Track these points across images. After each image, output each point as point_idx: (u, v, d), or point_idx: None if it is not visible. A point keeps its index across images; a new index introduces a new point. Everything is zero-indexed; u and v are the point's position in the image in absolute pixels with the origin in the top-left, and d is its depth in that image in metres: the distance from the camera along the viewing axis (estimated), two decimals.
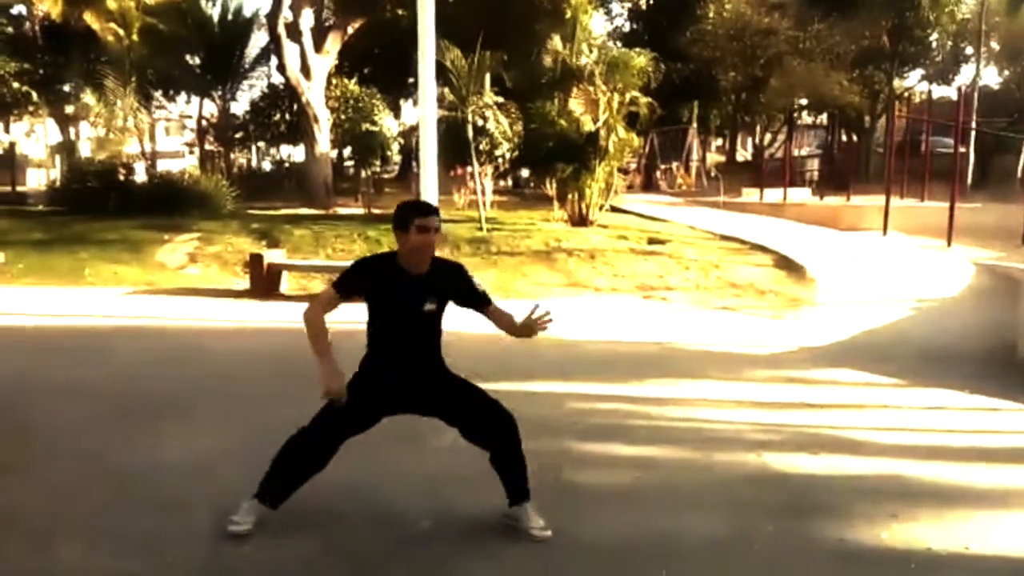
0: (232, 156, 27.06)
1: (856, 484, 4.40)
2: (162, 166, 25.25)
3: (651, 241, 13.76)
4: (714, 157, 37.83)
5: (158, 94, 25.53)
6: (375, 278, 3.61)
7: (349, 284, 3.64)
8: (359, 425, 3.68)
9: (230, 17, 25.95)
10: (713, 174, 27.39)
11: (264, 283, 10.77)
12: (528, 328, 3.66)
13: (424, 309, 3.58)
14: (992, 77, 29.33)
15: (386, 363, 3.65)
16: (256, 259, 11.07)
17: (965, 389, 6.27)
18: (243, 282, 11.46)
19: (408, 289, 3.56)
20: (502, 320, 3.77)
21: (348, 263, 12.45)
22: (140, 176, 19.87)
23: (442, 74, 13.90)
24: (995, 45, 27.11)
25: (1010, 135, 22.88)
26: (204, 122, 28.13)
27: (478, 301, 3.71)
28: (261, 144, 27.66)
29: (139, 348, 7.85)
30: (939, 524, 3.88)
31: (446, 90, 15.10)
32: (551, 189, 16.70)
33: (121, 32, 21.32)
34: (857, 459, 4.77)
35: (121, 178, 18.01)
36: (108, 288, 11.30)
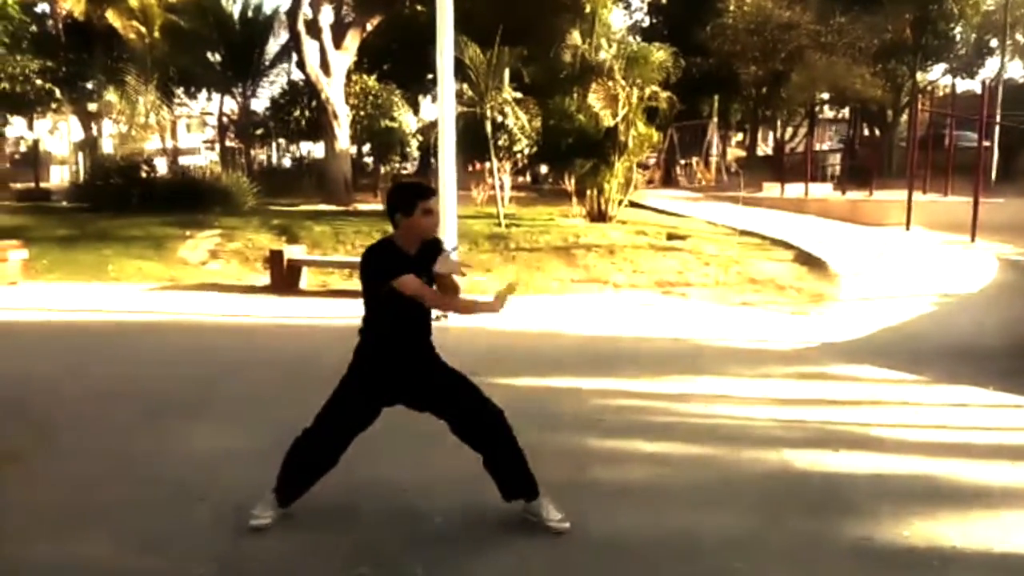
0: (252, 153, 27.21)
1: (878, 482, 4.36)
2: (181, 163, 25.46)
3: (670, 237, 13.70)
4: (734, 152, 37.58)
5: (179, 91, 25.75)
6: (402, 261, 3.53)
7: (403, 267, 3.48)
8: (365, 419, 3.67)
9: (250, 14, 26.08)
10: (733, 169, 27.24)
11: (284, 279, 10.84)
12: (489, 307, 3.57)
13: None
14: (1017, 70, 29.02)
15: (386, 347, 3.63)
16: (276, 255, 11.14)
17: (989, 386, 6.20)
18: (264, 278, 11.53)
19: (414, 269, 3.51)
20: (442, 283, 3.68)
21: None
22: (162, 172, 20.04)
23: (460, 70, 13.90)
24: (1020, 38, 26.75)
25: None
26: (225, 119, 28.30)
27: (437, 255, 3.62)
28: (281, 141, 27.78)
29: (161, 344, 7.92)
30: (962, 523, 3.84)
31: (465, 86, 15.10)
32: (570, 185, 16.68)
33: (143, 29, 21.54)
34: (879, 456, 4.73)
35: (144, 174, 18.18)
36: (131, 284, 11.42)
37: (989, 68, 28.13)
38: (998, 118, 21.77)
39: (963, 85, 29.04)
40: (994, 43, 26.49)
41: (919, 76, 27.14)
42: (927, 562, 3.49)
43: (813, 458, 4.68)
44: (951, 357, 7.18)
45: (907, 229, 15.33)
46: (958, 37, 27.60)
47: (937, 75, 30.15)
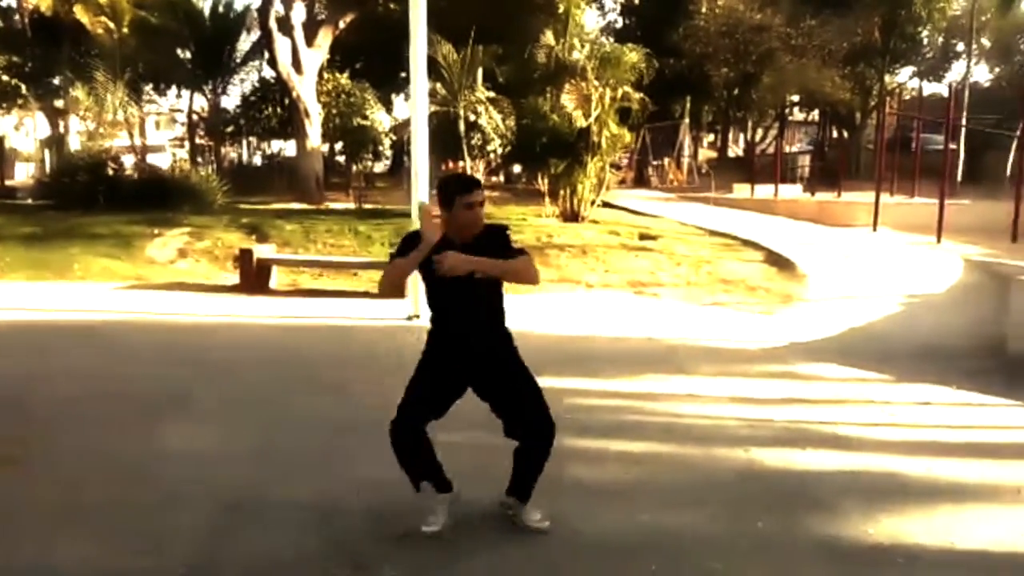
0: (223, 150, 26.96)
1: (845, 480, 4.42)
2: (150, 161, 25.14)
3: (642, 237, 13.78)
4: (706, 153, 37.88)
5: (148, 88, 25.43)
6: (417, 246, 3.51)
7: (406, 249, 3.52)
8: (440, 404, 3.64)
9: (221, 11, 25.85)
10: (704, 170, 27.48)
11: (254, 278, 10.74)
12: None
13: (476, 276, 3.47)
14: (982, 74, 29.50)
15: (448, 337, 3.63)
16: (246, 254, 11.03)
17: (953, 385, 6.31)
18: (233, 277, 11.42)
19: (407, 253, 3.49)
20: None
21: (340, 258, 12.41)
22: (130, 170, 19.78)
23: (434, 69, 13.88)
24: (986, 42, 27.24)
25: (999, 132, 23.00)
26: (195, 116, 28.01)
27: (505, 254, 3.57)
28: (252, 138, 27.56)
29: (129, 344, 7.82)
30: (926, 519, 3.91)
31: (438, 85, 15.08)
32: (543, 184, 16.72)
33: (112, 25, 21.25)
34: (846, 454, 4.79)
35: (111, 172, 17.93)
36: (98, 283, 11.25)
37: (955, 71, 28.66)
38: (964, 121, 22.16)
39: (930, 88, 29.56)
40: (960, 47, 26.95)
41: (887, 79, 27.54)
42: (892, 559, 3.54)
43: (781, 456, 4.73)
44: (916, 356, 7.29)
45: (874, 230, 15.54)
46: (925, 41, 28.07)
47: (904, 78, 30.65)
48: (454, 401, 3.66)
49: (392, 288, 3.67)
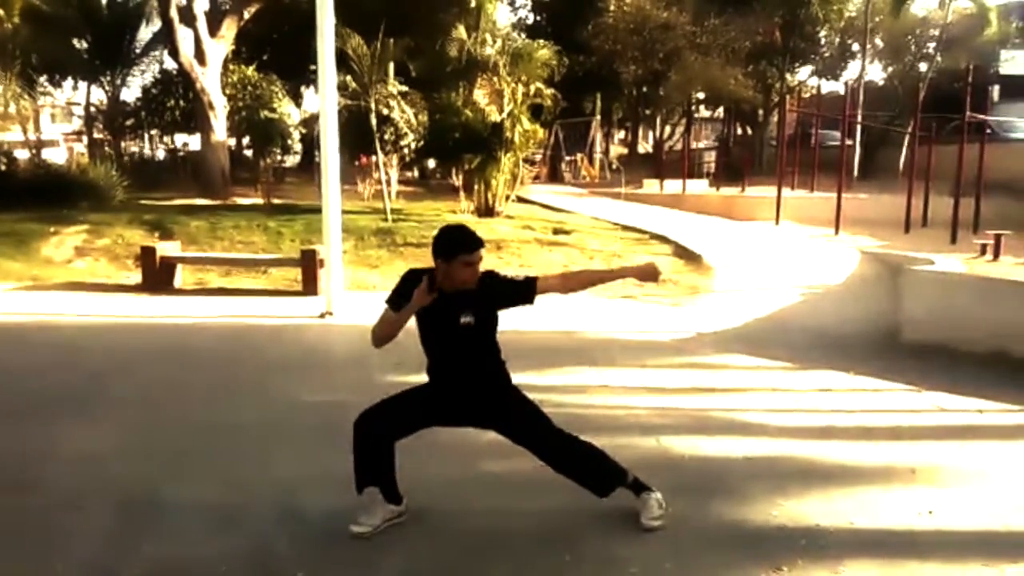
0: (123, 144, 25.86)
1: (749, 464, 4.56)
2: (45, 155, 23.97)
3: (556, 231, 13.91)
4: (617, 149, 38.46)
5: (42, 80, 24.22)
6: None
7: (399, 296, 3.52)
8: (414, 425, 3.64)
9: None
10: (616, 166, 27.88)
11: (157, 277, 10.38)
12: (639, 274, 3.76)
13: (461, 323, 3.51)
14: (877, 73, 30.77)
15: (441, 378, 3.66)
16: (148, 252, 10.64)
17: (850, 371, 6.59)
18: (135, 276, 11.01)
19: (445, 305, 3.48)
20: (567, 283, 3.87)
21: (249, 256, 12.10)
22: (25, 165, 18.82)
23: (344, 61, 13.66)
24: (879, 42, 28.42)
25: (893, 129, 24.06)
26: (92, 109, 26.83)
27: (525, 291, 3.62)
28: (154, 132, 26.55)
29: (23, 346, 7.46)
30: (826, 501, 4.06)
31: (349, 78, 14.85)
32: (457, 180, 16.69)
33: (2, 14, 20.14)
34: (750, 440, 4.95)
35: (2, 168, 17.04)
36: None
37: (851, 70, 29.80)
38: (860, 118, 23.11)
39: (828, 86, 30.70)
40: (856, 47, 28.04)
41: (787, 77, 28.47)
42: (795, 540, 3.66)
43: (689, 444, 4.85)
44: (816, 344, 7.59)
45: (777, 224, 16.08)
46: (823, 41, 29.10)
47: (804, 77, 31.70)
48: (429, 426, 3.69)
49: (384, 342, 3.61)
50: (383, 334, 3.57)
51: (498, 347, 3.73)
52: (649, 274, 3.76)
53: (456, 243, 3.47)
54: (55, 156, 25.09)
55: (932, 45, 26.15)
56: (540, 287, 3.64)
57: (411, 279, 3.54)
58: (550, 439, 3.70)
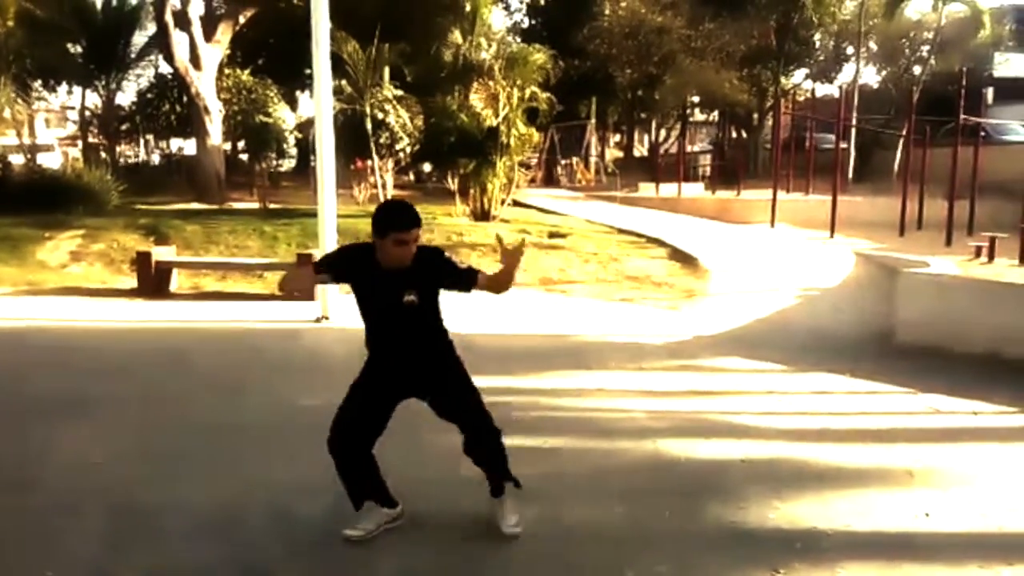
0: (118, 149, 25.85)
1: (746, 467, 4.56)
2: (40, 160, 23.92)
3: (552, 235, 13.90)
4: (612, 153, 38.50)
5: (37, 84, 24.22)
6: (355, 265, 3.46)
7: (329, 260, 3.56)
8: (374, 411, 3.59)
9: (114, 3, 24.79)
10: (611, 169, 27.90)
11: (152, 282, 10.34)
12: (510, 261, 3.56)
13: (404, 300, 3.45)
14: (871, 76, 30.84)
15: (383, 359, 3.60)
16: (143, 257, 10.61)
17: (847, 373, 6.60)
18: (130, 281, 10.98)
19: (385, 282, 3.43)
20: (498, 287, 3.68)
21: (244, 260, 12.01)
22: (20, 170, 18.78)
23: (340, 66, 13.66)
24: (873, 46, 28.49)
25: (887, 132, 24.11)
26: (87, 113, 26.81)
27: (467, 281, 3.56)
28: (149, 137, 26.54)
29: (18, 351, 7.43)
30: (824, 503, 4.07)
31: (344, 82, 14.85)
32: (453, 184, 16.67)
33: None
34: (747, 443, 4.95)
35: None
36: None
37: (846, 73, 29.87)
38: (854, 121, 23.15)
39: (822, 90, 30.77)
40: (850, 50, 28.11)
41: (782, 81, 28.52)
42: (792, 543, 3.67)
43: (685, 446, 4.85)
44: (812, 347, 7.59)
45: (772, 226, 16.09)
46: (817, 44, 29.17)
47: (799, 80, 31.77)
48: (390, 416, 3.62)
49: (291, 289, 3.64)
50: (296, 285, 3.70)
51: (443, 324, 3.69)
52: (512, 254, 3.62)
53: (389, 219, 3.42)
54: (50, 161, 25.04)
55: (926, 48, 26.22)
56: (480, 281, 3.59)
57: (347, 253, 3.59)
58: (480, 419, 3.67)
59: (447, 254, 3.62)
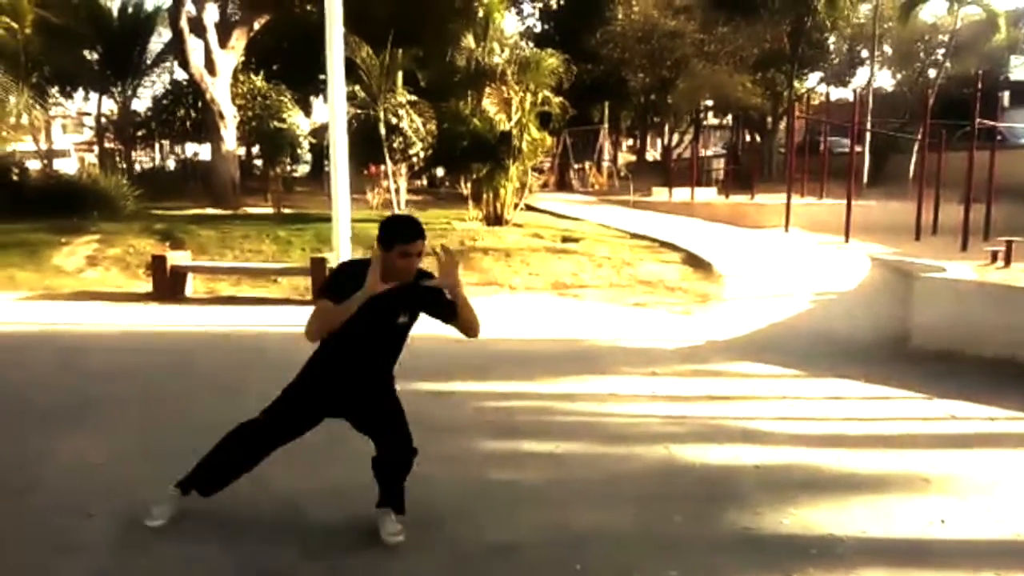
0: (134, 154, 26.07)
1: (760, 473, 4.54)
2: (56, 165, 24.14)
3: (565, 239, 13.90)
4: (625, 157, 38.50)
5: (54, 90, 24.45)
6: (357, 281, 3.37)
7: (332, 285, 3.46)
8: (297, 428, 3.64)
9: (130, 10, 25.02)
10: (624, 173, 27.88)
11: (168, 286, 10.42)
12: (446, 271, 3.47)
13: (398, 322, 3.50)
14: (885, 80, 30.73)
15: (339, 370, 3.58)
16: (159, 261, 10.69)
17: (861, 378, 6.56)
18: (146, 285, 11.06)
19: (383, 300, 3.40)
20: (468, 328, 3.64)
21: (259, 265, 12.08)
22: (36, 175, 18.95)
23: (353, 71, 13.72)
24: (888, 49, 28.38)
25: (902, 135, 24.00)
26: (103, 119, 27.04)
27: (449, 312, 3.55)
28: (164, 142, 26.76)
29: (34, 355, 7.49)
30: (839, 509, 4.04)
31: (358, 88, 14.92)
32: (466, 188, 16.70)
33: (14, 25, 20.34)
34: (761, 448, 4.92)
35: (14, 178, 17.15)
36: (2, 294, 10.74)
37: (860, 77, 29.80)
38: (869, 125, 23.05)
39: (837, 93, 30.69)
40: (865, 54, 28.01)
41: (796, 84, 28.45)
42: (806, 549, 3.64)
43: (699, 452, 4.83)
44: (827, 352, 7.55)
45: (786, 231, 16.04)
46: (831, 48, 29.10)
47: (813, 83, 31.69)
48: (311, 428, 3.68)
49: (322, 335, 3.46)
50: (324, 327, 3.40)
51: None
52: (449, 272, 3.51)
53: (395, 232, 3.41)
54: (66, 166, 25.27)
55: (941, 51, 26.13)
56: (457, 314, 3.56)
57: (347, 270, 3.51)
58: (406, 442, 3.65)
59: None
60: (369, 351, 3.57)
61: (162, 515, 3.66)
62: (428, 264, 3.52)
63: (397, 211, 14.89)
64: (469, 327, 3.62)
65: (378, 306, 3.39)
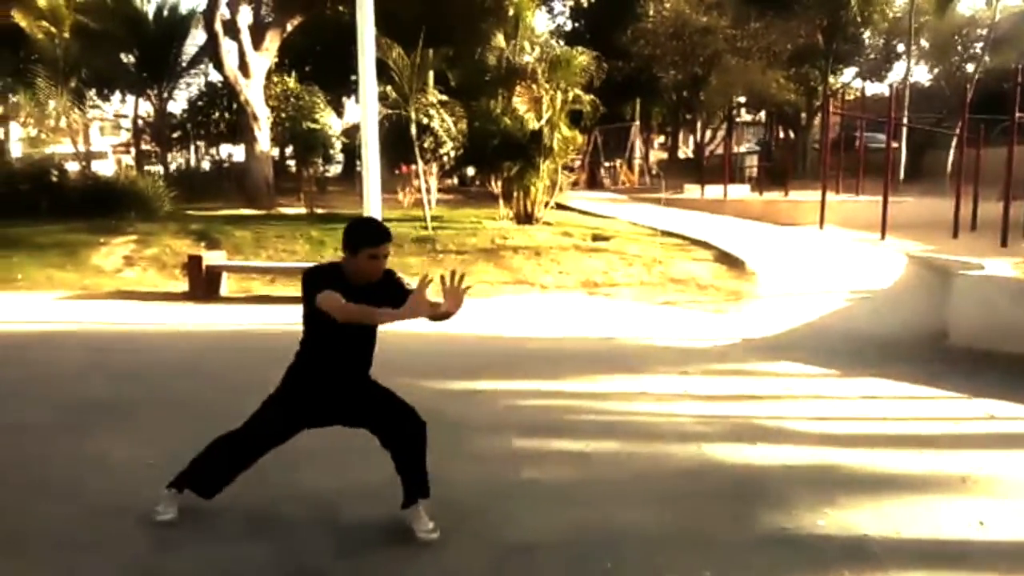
0: (170, 156, 26.43)
1: (794, 473, 4.50)
2: (94, 167, 24.58)
3: (595, 238, 13.87)
4: (657, 154, 38.29)
5: (92, 93, 24.88)
6: (331, 287, 3.41)
7: (323, 286, 3.42)
8: (283, 434, 3.70)
9: (166, 14, 25.37)
10: (655, 171, 27.76)
11: (203, 285, 10.57)
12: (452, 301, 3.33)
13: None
14: (922, 74, 30.22)
15: (319, 374, 3.62)
16: (194, 261, 10.85)
17: (897, 378, 6.46)
18: (182, 285, 11.23)
19: (350, 300, 3.41)
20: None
21: (292, 264, 12.18)
22: (74, 177, 19.31)
23: (384, 72, 13.80)
24: (924, 43, 27.92)
25: (940, 131, 23.61)
26: (140, 121, 27.46)
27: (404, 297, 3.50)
28: (200, 143, 27.09)
29: (73, 353, 7.63)
30: (874, 510, 3.99)
31: (389, 88, 15.00)
32: (496, 187, 16.73)
33: (53, 30, 20.74)
34: (795, 448, 4.88)
35: (54, 179, 17.50)
36: (42, 293, 10.97)
37: (896, 72, 29.34)
38: (905, 120, 22.70)
39: (872, 88, 30.26)
40: (901, 48, 27.59)
41: (831, 80, 28.09)
42: (841, 549, 3.60)
43: (732, 451, 4.80)
44: (862, 351, 7.46)
45: (821, 228, 15.86)
46: (867, 42, 28.69)
47: (848, 79, 31.28)
48: (295, 434, 3.72)
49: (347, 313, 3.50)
50: (362, 319, 3.37)
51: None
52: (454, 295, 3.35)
53: (361, 236, 3.44)
54: (104, 168, 25.70)
55: (979, 45, 25.64)
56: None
57: (320, 273, 3.47)
58: (410, 409, 3.65)
59: (397, 274, 3.64)
60: (347, 353, 3.60)
61: (167, 511, 3.74)
62: (421, 276, 3.47)
63: (428, 210, 14.95)
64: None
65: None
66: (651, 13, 28.05)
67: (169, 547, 3.59)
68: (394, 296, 3.47)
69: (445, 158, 16.25)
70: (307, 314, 3.53)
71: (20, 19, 20.34)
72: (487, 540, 3.67)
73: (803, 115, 29.99)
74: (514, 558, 3.54)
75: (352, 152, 20.87)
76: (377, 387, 3.73)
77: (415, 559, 3.52)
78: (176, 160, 26.87)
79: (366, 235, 3.46)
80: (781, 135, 34.87)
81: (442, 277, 3.40)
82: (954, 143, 20.61)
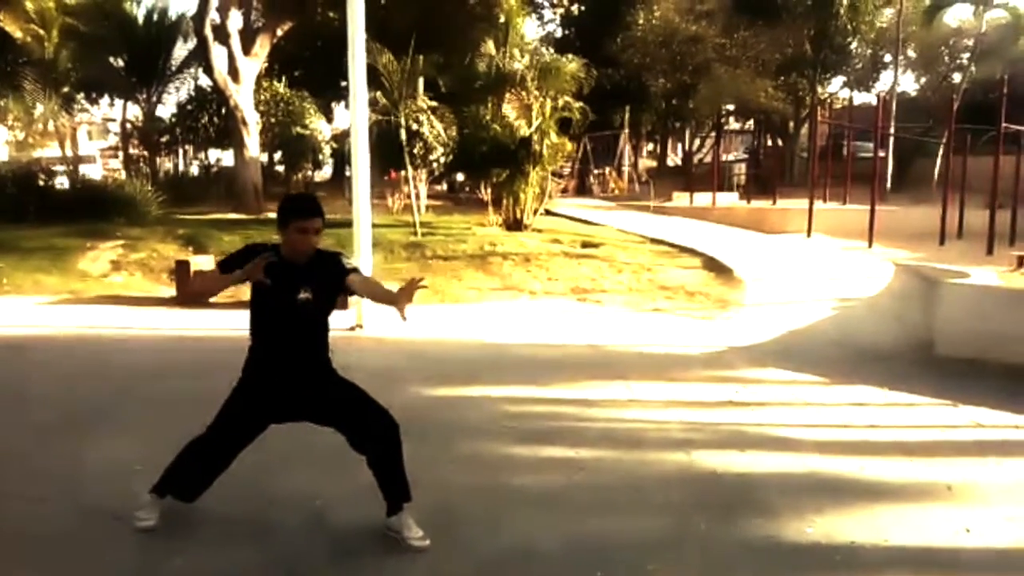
0: (158, 160, 26.32)
1: (782, 480, 4.51)
2: (82, 171, 24.43)
3: (584, 245, 13.89)
4: (645, 162, 38.38)
5: (80, 97, 24.77)
6: (251, 260, 3.47)
7: (235, 259, 3.55)
8: (249, 430, 3.69)
9: (155, 18, 25.30)
10: (644, 179, 27.82)
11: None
12: (405, 295, 3.37)
13: (299, 298, 3.51)
14: (909, 84, 30.45)
15: (268, 360, 3.62)
16: (182, 266, 10.77)
17: (884, 386, 6.49)
18: (169, 290, 11.16)
19: (285, 279, 3.48)
20: (367, 288, 3.67)
21: None
22: (61, 181, 19.20)
23: (374, 77, 13.79)
24: (912, 53, 28.12)
25: (926, 140, 23.77)
26: (128, 125, 27.34)
27: (343, 275, 3.57)
28: (188, 148, 26.99)
29: (59, 359, 7.58)
30: (862, 517, 4.01)
31: (379, 94, 15.00)
32: (486, 193, 16.75)
33: (41, 33, 20.65)
34: (783, 455, 4.89)
35: (41, 183, 17.39)
36: (28, 297, 10.88)
37: (884, 81, 29.54)
38: (892, 129, 22.86)
39: (860, 98, 30.44)
40: (888, 58, 27.78)
41: (818, 89, 28.24)
42: (829, 557, 3.63)
43: (720, 459, 4.81)
44: (850, 358, 7.49)
45: (808, 236, 15.94)
46: (854, 52, 28.86)
47: (835, 88, 31.47)
48: (263, 430, 3.71)
49: (195, 297, 3.65)
50: (202, 288, 3.62)
51: (327, 338, 3.70)
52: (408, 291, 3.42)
53: (290, 210, 3.53)
54: (92, 172, 25.56)
55: (966, 55, 25.84)
56: (351, 279, 3.58)
57: (251, 251, 3.56)
58: (376, 415, 3.62)
59: (343, 256, 3.68)
60: (286, 334, 3.59)
61: (148, 517, 3.73)
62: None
63: (417, 216, 14.94)
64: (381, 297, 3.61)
65: (279, 286, 3.46)
66: (641, 21, 28.16)
67: (160, 552, 3.57)
68: (333, 275, 3.55)
69: (435, 164, 16.25)
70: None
71: (8, 22, 20.25)
72: (476, 546, 3.67)
73: (791, 124, 30.14)
74: (503, 564, 3.54)
75: (341, 157, 20.84)
76: (344, 383, 3.70)
77: (407, 564, 3.51)
78: (164, 164, 26.75)
79: (294, 209, 3.55)
80: (769, 143, 35.02)
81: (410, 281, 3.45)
82: (941, 152, 20.78)
